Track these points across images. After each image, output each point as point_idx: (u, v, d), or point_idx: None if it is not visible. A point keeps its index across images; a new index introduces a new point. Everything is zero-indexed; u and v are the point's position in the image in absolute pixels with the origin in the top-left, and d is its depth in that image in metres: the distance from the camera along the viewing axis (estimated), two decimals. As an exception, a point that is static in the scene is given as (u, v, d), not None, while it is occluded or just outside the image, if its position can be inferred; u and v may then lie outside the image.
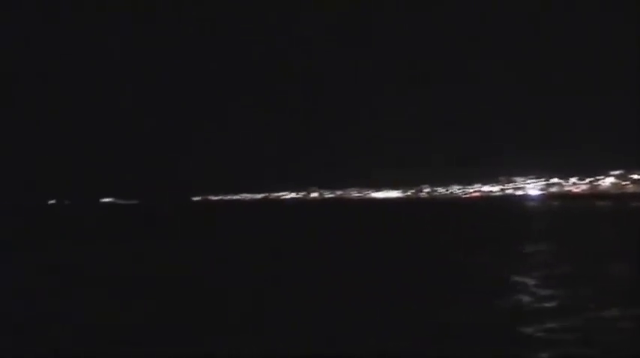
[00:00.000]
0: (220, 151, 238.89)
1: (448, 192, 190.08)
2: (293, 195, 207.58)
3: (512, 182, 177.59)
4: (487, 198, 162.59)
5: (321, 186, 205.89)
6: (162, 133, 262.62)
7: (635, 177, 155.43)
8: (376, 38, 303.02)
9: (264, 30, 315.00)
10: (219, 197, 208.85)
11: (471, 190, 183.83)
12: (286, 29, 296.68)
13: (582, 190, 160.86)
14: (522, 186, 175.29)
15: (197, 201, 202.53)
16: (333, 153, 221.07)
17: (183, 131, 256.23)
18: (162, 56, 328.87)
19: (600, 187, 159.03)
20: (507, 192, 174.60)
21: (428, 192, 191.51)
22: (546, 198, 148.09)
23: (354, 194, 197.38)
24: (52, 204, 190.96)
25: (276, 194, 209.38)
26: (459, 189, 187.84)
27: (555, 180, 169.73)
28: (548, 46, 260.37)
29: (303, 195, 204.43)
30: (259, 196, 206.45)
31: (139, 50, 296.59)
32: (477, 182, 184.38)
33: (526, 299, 12.79)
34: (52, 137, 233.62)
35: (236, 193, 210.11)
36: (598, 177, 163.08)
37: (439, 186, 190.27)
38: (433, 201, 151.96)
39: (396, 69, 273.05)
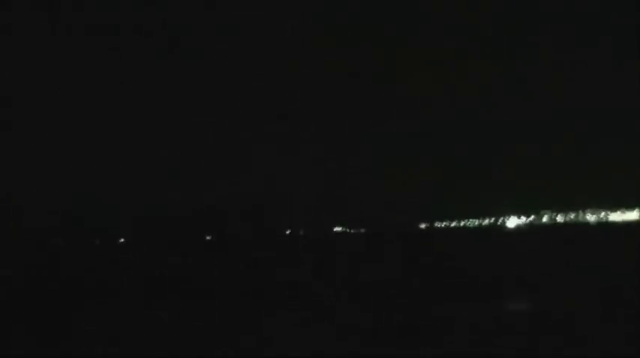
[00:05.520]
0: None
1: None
2: (520, 219, 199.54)
3: None
4: None
5: (553, 208, 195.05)
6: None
7: None
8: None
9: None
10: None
11: None
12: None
13: None
14: None
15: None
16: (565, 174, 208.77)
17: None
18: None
19: None
20: None
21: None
22: None
23: (590, 217, 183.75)
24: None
25: (499, 219, 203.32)
26: None
27: None
28: None
29: (532, 219, 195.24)
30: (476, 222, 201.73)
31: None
32: None
33: None
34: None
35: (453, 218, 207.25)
36: None
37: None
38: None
39: None
